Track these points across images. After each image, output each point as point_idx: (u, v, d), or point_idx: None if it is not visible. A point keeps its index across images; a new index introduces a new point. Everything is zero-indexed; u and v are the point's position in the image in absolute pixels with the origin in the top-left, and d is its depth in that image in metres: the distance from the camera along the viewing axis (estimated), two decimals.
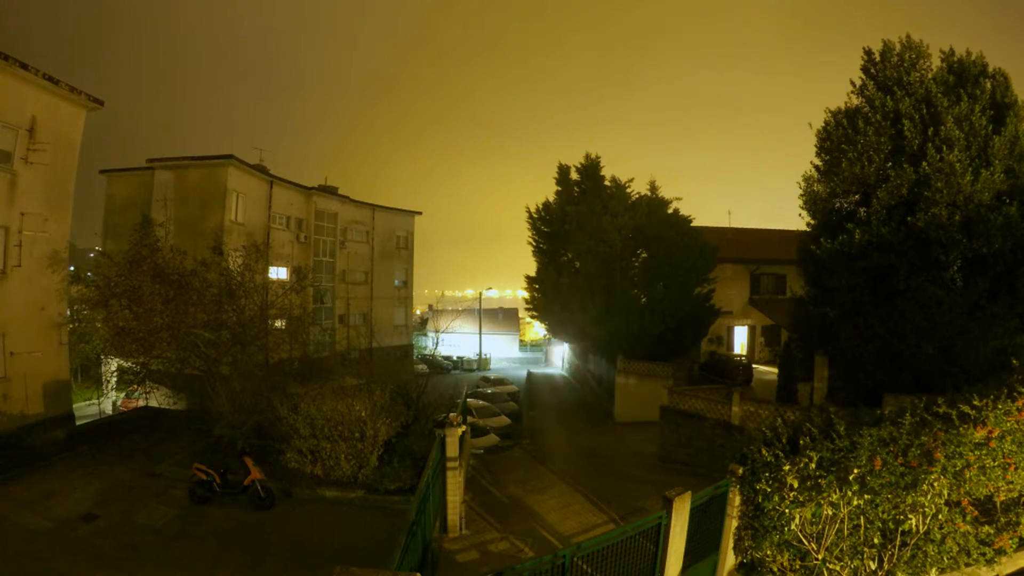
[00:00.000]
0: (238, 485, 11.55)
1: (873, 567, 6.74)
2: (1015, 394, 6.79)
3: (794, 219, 16.65)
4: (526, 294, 33.71)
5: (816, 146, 15.62)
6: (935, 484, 6.45)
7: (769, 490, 6.69)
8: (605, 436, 20.71)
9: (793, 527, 6.68)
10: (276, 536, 10.39)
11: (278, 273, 28.35)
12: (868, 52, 15.03)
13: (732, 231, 33.12)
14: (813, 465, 6.50)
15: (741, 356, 27.29)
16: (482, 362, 48.98)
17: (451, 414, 12.41)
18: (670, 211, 24.71)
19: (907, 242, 13.38)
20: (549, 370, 47.10)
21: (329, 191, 34.15)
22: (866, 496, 6.47)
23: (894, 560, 6.70)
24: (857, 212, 14.82)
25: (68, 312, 16.97)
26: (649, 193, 25.35)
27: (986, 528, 7.04)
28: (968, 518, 6.83)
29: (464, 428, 11.66)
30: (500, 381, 34.59)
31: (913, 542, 6.68)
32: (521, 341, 66.46)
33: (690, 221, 24.86)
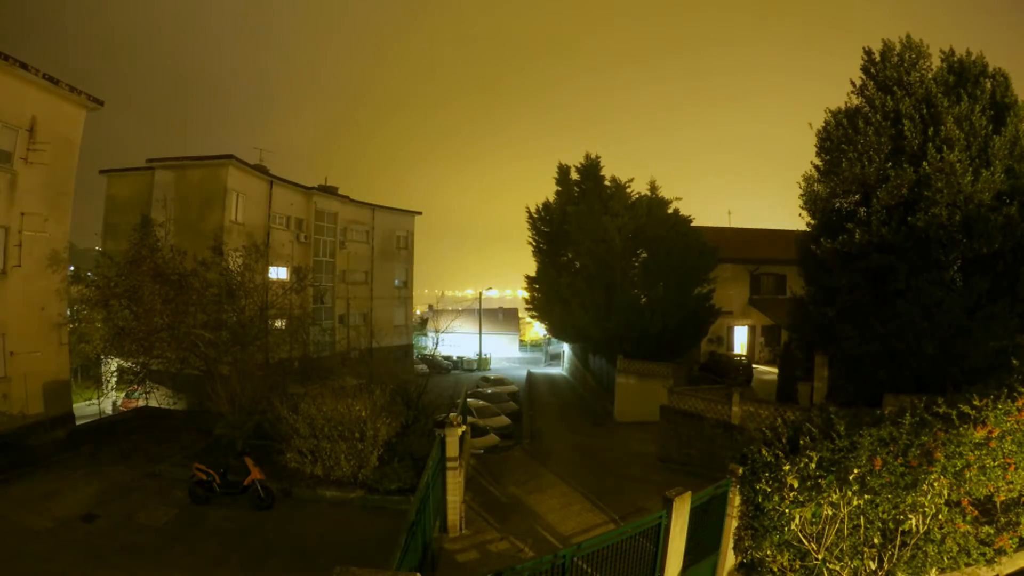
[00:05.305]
0: (238, 485, 11.56)
1: (873, 567, 6.74)
2: (1015, 394, 6.78)
3: (794, 219, 16.66)
4: (526, 294, 33.73)
5: (816, 146, 15.61)
6: (935, 484, 6.44)
7: (769, 490, 6.68)
8: (605, 436, 20.71)
9: (793, 527, 6.68)
10: (276, 536, 10.40)
11: (278, 273, 28.34)
12: (868, 52, 15.01)
13: (732, 231, 33.11)
14: (813, 465, 6.50)
15: (741, 356, 27.26)
16: (482, 362, 48.96)
17: (451, 414, 12.41)
18: (670, 211, 24.68)
19: (907, 242, 13.37)
20: (549, 370, 47.10)
21: (329, 191, 34.15)
22: (866, 496, 6.46)
23: (894, 560, 6.70)
24: (857, 212, 14.81)
25: (68, 312, 16.97)
26: (649, 193, 25.33)
27: (986, 528, 7.04)
28: (968, 518, 6.83)
29: (464, 428, 11.65)
30: (500, 381, 34.59)
31: (913, 542, 6.67)
32: (521, 341, 66.47)
33: (690, 221, 24.84)
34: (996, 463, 6.70)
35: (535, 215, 31.71)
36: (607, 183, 27.08)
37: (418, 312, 62.32)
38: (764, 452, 6.84)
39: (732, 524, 7.27)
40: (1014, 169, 13.28)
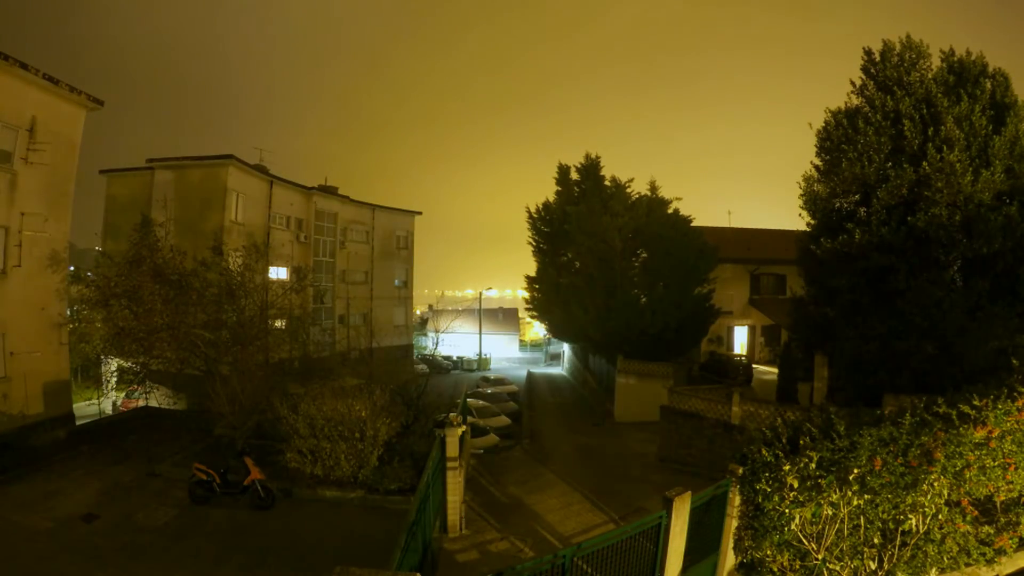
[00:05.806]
0: (238, 485, 11.55)
1: (873, 567, 6.74)
2: (1015, 394, 6.79)
3: (794, 219, 16.65)
4: (526, 294, 33.71)
5: (816, 146, 15.61)
6: (935, 484, 6.45)
7: (769, 490, 6.68)
8: (605, 436, 20.70)
9: (793, 527, 6.68)
10: (276, 536, 10.40)
11: (278, 273, 28.35)
12: (868, 52, 15.01)
13: (732, 231, 33.11)
14: (813, 465, 6.50)
15: (741, 356, 27.27)
16: (482, 362, 48.95)
17: (451, 414, 12.41)
18: (670, 211, 24.67)
19: (907, 242, 13.37)
20: (549, 370, 47.10)
21: (329, 191, 34.16)
22: (866, 496, 6.47)
23: (894, 560, 6.70)
24: (857, 212, 14.81)
25: (68, 312, 16.97)
26: (649, 193, 25.33)
27: (986, 528, 7.04)
28: (968, 518, 6.84)
29: (464, 428, 11.65)
30: (500, 381, 34.60)
31: (913, 542, 6.67)
32: (521, 341, 66.45)
33: (690, 221, 24.84)
34: (996, 463, 6.71)
35: (535, 215, 31.69)
36: (607, 183, 27.04)
37: (418, 312, 62.31)
38: (764, 452, 6.84)
39: (732, 524, 7.27)
40: (1014, 169, 13.28)
